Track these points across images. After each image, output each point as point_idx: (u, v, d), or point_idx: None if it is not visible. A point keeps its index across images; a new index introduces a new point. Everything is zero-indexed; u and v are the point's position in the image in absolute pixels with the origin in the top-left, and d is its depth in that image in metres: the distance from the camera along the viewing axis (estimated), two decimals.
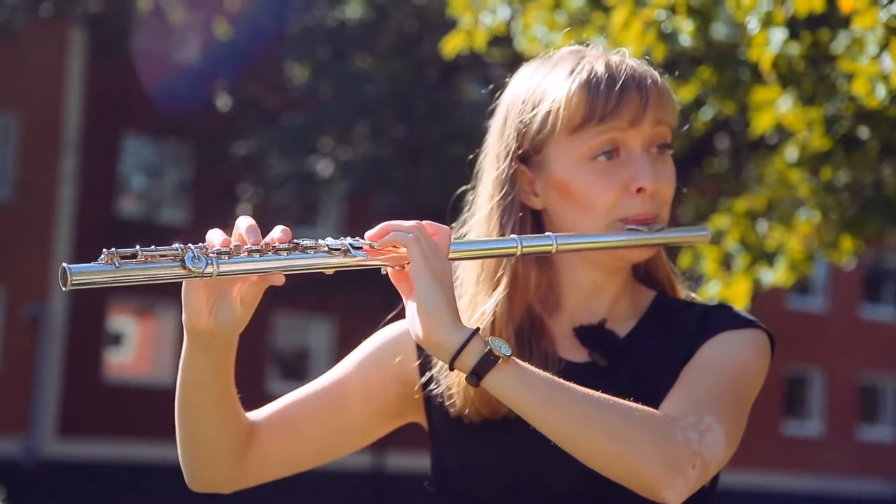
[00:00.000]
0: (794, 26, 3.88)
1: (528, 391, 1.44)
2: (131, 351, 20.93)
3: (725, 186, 9.58)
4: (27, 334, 18.74)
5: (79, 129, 18.81)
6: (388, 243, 1.48)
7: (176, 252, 1.41)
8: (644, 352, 1.64)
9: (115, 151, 19.59)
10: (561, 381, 1.46)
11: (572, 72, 1.63)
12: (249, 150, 14.26)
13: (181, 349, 1.59)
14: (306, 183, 14.33)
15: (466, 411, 1.64)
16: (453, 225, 1.71)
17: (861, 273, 23.40)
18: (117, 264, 1.38)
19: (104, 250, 1.38)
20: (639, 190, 1.61)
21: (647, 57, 1.73)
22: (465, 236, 1.69)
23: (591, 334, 1.66)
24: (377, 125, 13.17)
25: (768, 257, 4.60)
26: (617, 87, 1.61)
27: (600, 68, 1.63)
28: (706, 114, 4.91)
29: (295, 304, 18.32)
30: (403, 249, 1.48)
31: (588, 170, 1.61)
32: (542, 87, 1.65)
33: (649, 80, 1.63)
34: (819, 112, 4.24)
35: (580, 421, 1.43)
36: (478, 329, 1.47)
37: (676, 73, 4.72)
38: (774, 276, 4.57)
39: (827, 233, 4.55)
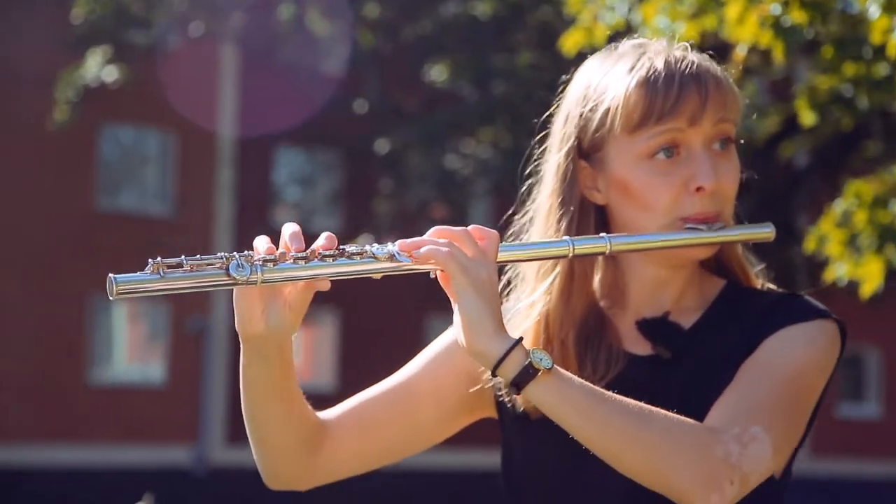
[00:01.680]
0: None
1: (567, 404, 1.45)
2: (295, 358, 21.40)
3: (880, 169, 9.31)
4: (193, 346, 19.36)
5: (233, 143, 19.37)
6: (424, 258, 1.49)
7: (221, 261, 1.43)
8: (708, 343, 1.62)
9: (269, 163, 20.11)
10: (603, 392, 1.47)
11: (632, 69, 1.62)
12: (392, 146, 14.44)
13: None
14: (447, 181, 14.43)
15: (524, 409, 1.65)
16: (515, 217, 1.72)
17: None
18: (162, 273, 1.41)
19: (149, 260, 1.42)
20: (698, 189, 1.59)
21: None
22: (527, 230, 1.69)
23: (654, 327, 1.65)
24: (516, 119, 13.18)
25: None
26: (675, 85, 1.59)
27: (660, 65, 1.61)
28: (860, 104, 4.79)
29: None
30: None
31: (647, 169, 1.60)
32: (602, 83, 1.64)
33: (710, 78, 1.61)
34: None
35: (618, 435, 1.44)
36: (520, 339, 1.47)
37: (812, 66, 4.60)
38: None
39: None
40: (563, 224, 1.65)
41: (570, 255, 1.57)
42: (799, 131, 12.54)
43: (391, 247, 1.49)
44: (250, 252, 1.46)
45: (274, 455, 1.64)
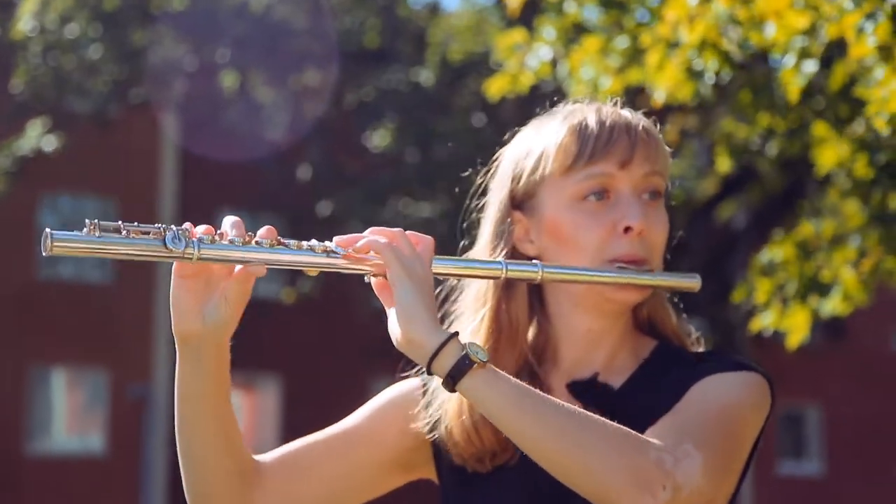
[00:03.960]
0: (827, 59, 3.91)
1: (502, 398, 1.44)
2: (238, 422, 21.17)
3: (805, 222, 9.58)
4: (133, 414, 19.08)
5: (175, 209, 19.28)
6: (363, 249, 1.50)
7: (158, 231, 1.42)
8: (639, 401, 1.63)
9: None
10: (538, 391, 1.47)
11: (564, 118, 1.68)
12: (334, 209, 14.48)
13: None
14: None
15: (466, 460, 1.66)
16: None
17: None
18: (98, 235, 1.39)
19: (87, 220, 1.40)
20: (626, 230, 1.63)
21: (646, 113, 1.75)
22: (463, 285, 1.71)
23: (583, 388, 1.66)
24: (456, 181, 13.30)
25: (822, 288, 4.56)
26: (606, 130, 1.65)
27: (592, 114, 1.68)
28: (770, 153, 4.93)
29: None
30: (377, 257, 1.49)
31: (578, 210, 1.64)
32: (537, 136, 1.70)
33: (640, 127, 1.67)
34: (854, 143, 4.24)
35: (552, 431, 1.43)
36: (456, 332, 1.48)
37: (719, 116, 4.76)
38: (831, 305, 4.52)
39: (883, 261, 4.50)
40: (494, 284, 1.66)
41: (503, 276, 1.59)
42: (737, 192, 12.76)
43: (329, 243, 1.50)
44: (189, 228, 1.45)
45: (204, 480, 1.59)
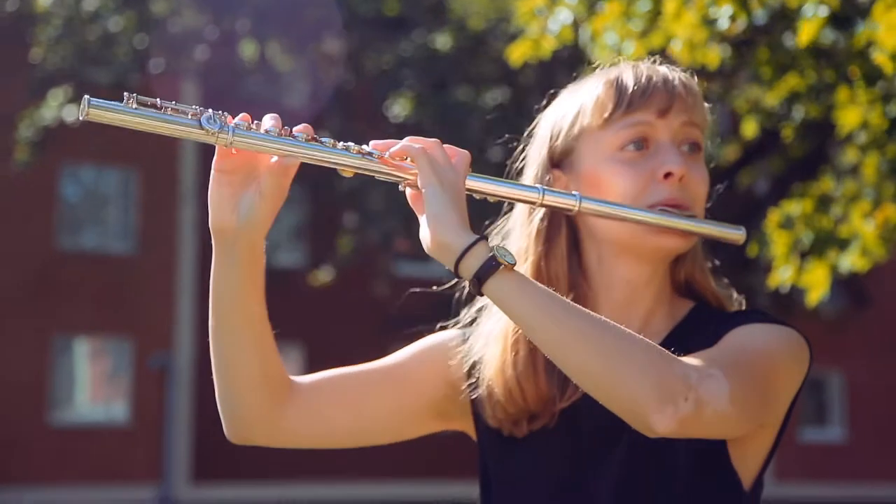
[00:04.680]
0: (848, 20, 3.89)
1: (528, 299, 1.42)
2: None
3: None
4: (156, 384, 19.21)
5: (196, 179, 19.32)
6: (398, 154, 1.49)
7: (195, 111, 1.43)
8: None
9: None
10: (564, 298, 1.45)
11: (600, 76, 1.68)
12: (352, 184, 14.47)
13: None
14: (412, 215, 14.49)
15: (502, 422, 1.65)
16: (493, 226, 1.73)
17: None
18: (135, 107, 1.40)
19: (125, 94, 1.40)
20: (667, 176, 1.61)
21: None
22: (503, 243, 1.70)
23: None
24: (478, 153, 13.26)
25: (839, 243, 4.53)
26: (644, 79, 1.64)
27: (628, 70, 1.67)
28: (796, 117, 4.90)
29: None
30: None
31: (617, 160, 1.63)
32: (574, 96, 1.70)
33: (677, 79, 1.66)
34: (874, 92, 4.20)
35: (577, 335, 1.41)
36: (485, 236, 1.47)
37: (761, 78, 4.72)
38: (850, 260, 4.49)
39: None
40: (535, 235, 1.67)
41: (540, 201, 1.57)
42: (759, 158, 12.69)
43: (365, 146, 1.49)
44: (226, 114, 1.45)
45: (238, 386, 1.59)
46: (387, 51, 14.77)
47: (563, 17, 4.32)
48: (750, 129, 5.14)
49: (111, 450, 18.96)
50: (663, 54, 3.97)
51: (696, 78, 1.71)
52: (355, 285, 18.87)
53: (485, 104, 13.74)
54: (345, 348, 19.90)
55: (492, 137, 12.97)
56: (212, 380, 1.61)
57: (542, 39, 4.40)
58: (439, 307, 1.78)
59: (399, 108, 14.29)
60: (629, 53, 4.01)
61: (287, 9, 14.68)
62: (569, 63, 13.03)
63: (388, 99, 14.51)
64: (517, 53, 4.48)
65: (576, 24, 4.35)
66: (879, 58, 3.34)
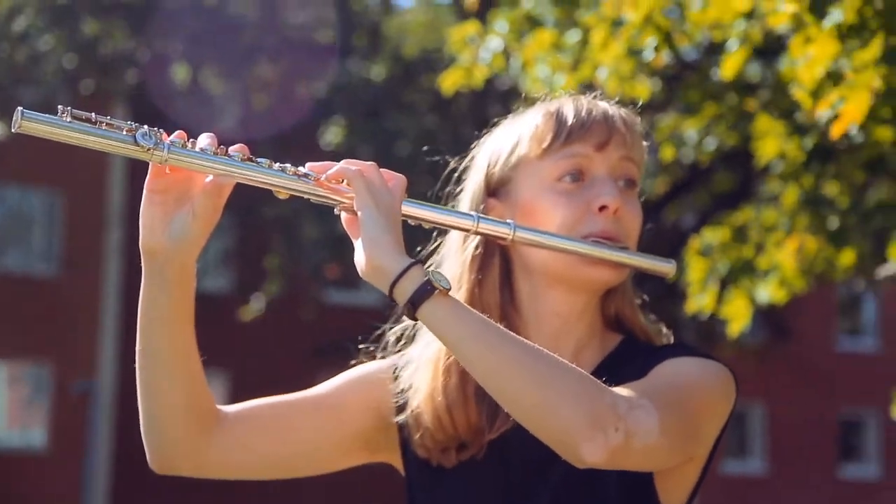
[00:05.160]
0: (774, 51, 3.98)
1: (461, 325, 1.42)
2: None
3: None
4: (76, 410, 18.88)
5: (123, 204, 19.09)
6: (335, 176, 1.48)
7: (130, 126, 1.40)
8: None
9: None
10: (498, 325, 1.45)
11: (540, 108, 1.69)
12: (282, 212, 14.42)
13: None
14: (341, 244, 14.46)
15: (431, 451, 1.65)
16: (430, 260, 1.72)
17: None
18: (70, 120, 1.37)
19: (60, 107, 1.38)
20: (602, 208, 1.62)
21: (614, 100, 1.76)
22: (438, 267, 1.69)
23: None
24: (412, 179, 13.31)
25: (758, 273, 4.61)
26: (584, 112, 1.65)
27: (568, 103, 1.68)
28: (709, 145, 5.00)
29: None
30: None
31: (553, 191, 1.63)
32: (513, 126, 1.70)
33: (617, 114, 1.67)
34: (792, 125, 4.30)
35: (510, 362, 1.41)
36: (420, 260, 1.47)
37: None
38: (768, 291, 4.56)
39: (818, 249, 4.56)
40: (468, 263, 1.66)
41: (474, 229, 1.57)
42: (686, 193, 12.87)
43: (302, 168, 1.48)
44: (162, 131, 1.43)
45: (163, 414, 1.56)
46: (320, 78, 14.77)
47: (494, 45, 4.36)
48: (668, 153, 5.24)
49: (29, 476, 18.58)
50: (591, 87, 4.04)
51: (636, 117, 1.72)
52: (283, 312, 18.74)
53: (417, 132, 13.78)
54: (271, 376, 19.72)
55: (423, 166, 13.01)
56: (135, 407, 1.58)
57: (473, 68, 4.43)
58: (369, 335, 1.78)
59: (331, 135, 14.28)
60: (560, 85, 4.06)
61: (220, 33, 14.62)
62: (502, 94, 13.13)
63: (321, 126, 14.50)
64: (449, 82, 4.51)
65: (507, 54, 4.38)
66: (798, 93, 3.42)
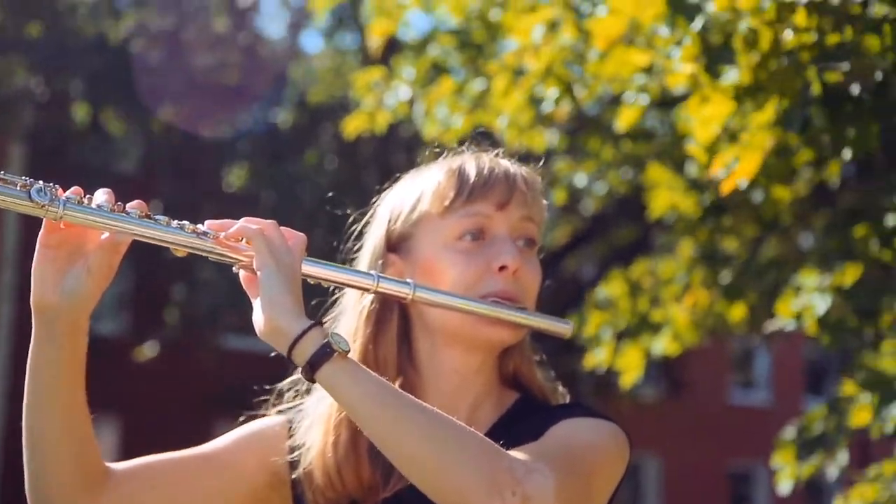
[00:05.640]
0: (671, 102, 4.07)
1: (360, 388, 1.42)
2: None
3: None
4: None
5: (17, 245, 18.68)
6: (234, 235, 1.48)
7: (24, 182, 1.39)
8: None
9: None
10: (395, 388, 1.46)
11: (443, 164, 1.71)
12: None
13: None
14: (239, 290, 14.34)
15: None
16: (326, 319, 1.72)
17: (802, 365, 23.63)
18: None
19: None
20: (502, 268, 1.64)
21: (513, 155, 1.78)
22: (335, 325, 1.70)
23: None
24: (313, 227, 13.27)
25: (653, 326, 4.68)
26: (486, 171, 1.67)
27: (471, 160, 1.70)
28: (600, 189, 5.09)
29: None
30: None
31: (453, 249, 1.65)
32: (415, 181, 1.72)
33: (519, 174, 1.70)
34: (682, 179, 4.40)
35: (408, 425, 1.41)
36: (320, 322, 1.46)
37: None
38: (661, 345, 4.63)
39: (711, 303, 4.65)
40: (365, 317, 1.67)
41: (374, 288, 1.57)
42: (586, 244, 13.04)
43: (201, 225, 1.47)
44: (57, 187, 1.41)
45: (49, 471, 1.51)
46: (225, 121, 14.69)
47: (400, 92, 4.39)
48: (560, 198, 5.31)
49: None
50: (485, 134, 4.08)
51: (527, 164, 1.74)
52: (180, 357, 18.46)
53: (321, 177, 13.77)
54: (165, 423, 19.37)
55: (326, 211, 12.98)
56: (20, 462, 1.54)
57: (377, 113, 4.46)
58: (268, 383, 1.76)
59: (234, 179, 14.19)
60: (456, 127, 4.11)
61: (123, 72, 14.47)
62: (406, 142, 13.19)
63: (224, 169, 14.40)
64: (352, 126, 4.52)
65: (412, 101, 4.42)
66: (693, 150, 3.48)
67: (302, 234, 1.53)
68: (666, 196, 4.45)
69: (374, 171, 13.81)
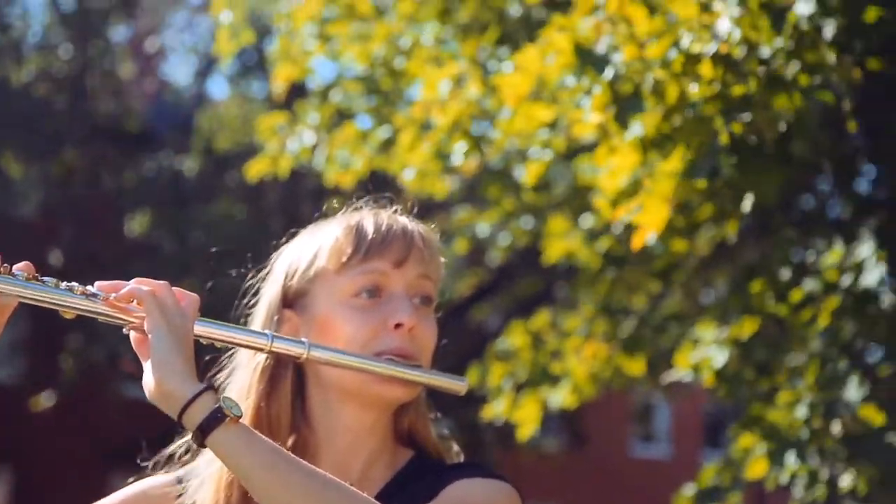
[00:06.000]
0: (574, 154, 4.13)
1: (251, 453, 1.41)
2: None
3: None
4: None
5: None
6: (125, 297, 1.47)
7: None
8: None
9: None
10: (288, 453, 1.45)
11: (341, 220, 1.70)
12: None
13: None
14: None
15: None
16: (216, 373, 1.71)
17: (701, 419, 23.94)
18: None
19: None
20: (397, 326, 1.64)
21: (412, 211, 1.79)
22: (227, 383, 1.68)
23: None
24: (216, 275, 13.15)
25: (552, 378, 4.72)
26: (383, 229, 1.67)
27: (369, 217, 1.70)
28: (503, 240, 5.13)
29: None
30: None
31: (349, 306, 1.64)
32: (313, 237, 1.70)
33: (416, 231, 1.70)
34: (582, 230, 4.47)
35: (298, 491, 1.40)
36: (211, 386, 1.45)
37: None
38: (559, 397, 4.66)
39: (610, 356, 4.70)
40: (259, 374, 1.65)
41: (268, 348, 1.56)
42: (491, 295, 13.10)
43: (90, 287, 1.46)
44: None
45: None
46: (129, 168, 14.53)
47: (305, 137, 4.39)
48: (462, 247, 5.35)
49: None
50: (386, 180, 4.08)
51: (433, 214, 1.75)
52: (77, 407, 18.04)
53: (226, 226, 13.66)
54: (60, 476, 18.88)
55: (230, 258, 12.87)
56: None
57: (280, 157, 4.45)
58: (167, 434, 1.73)
59: (136, 226, 14.01)
60: (356, 168, 4.12)
61: (24, 116, 14.23)
62: (313, 191, 13.15)
63: (127, 215, 14.22)
64: (254, 170, 4.51)
65: (315, 146, 4.42)
66: (599, 202, 3.52)
67: (195, 294, 1.52)
68: (560, 245, 4.51)
69: (280, 219, 13.73)
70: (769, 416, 3.67)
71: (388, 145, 4.15)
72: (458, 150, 3.72)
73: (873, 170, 4.33)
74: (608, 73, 2.81)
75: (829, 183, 4.43)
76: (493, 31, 4.11)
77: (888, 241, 3.73)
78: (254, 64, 14.30)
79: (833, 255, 3.77)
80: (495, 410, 4.73)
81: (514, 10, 4.15)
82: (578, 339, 4.73)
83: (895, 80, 3.72)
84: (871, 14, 3.01)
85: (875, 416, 3.53)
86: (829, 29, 2.92)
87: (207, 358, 1.70)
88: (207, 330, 1.52)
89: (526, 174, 3.72)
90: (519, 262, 11.60)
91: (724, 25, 2.76)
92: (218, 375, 1.70)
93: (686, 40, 2.77)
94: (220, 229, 13.69)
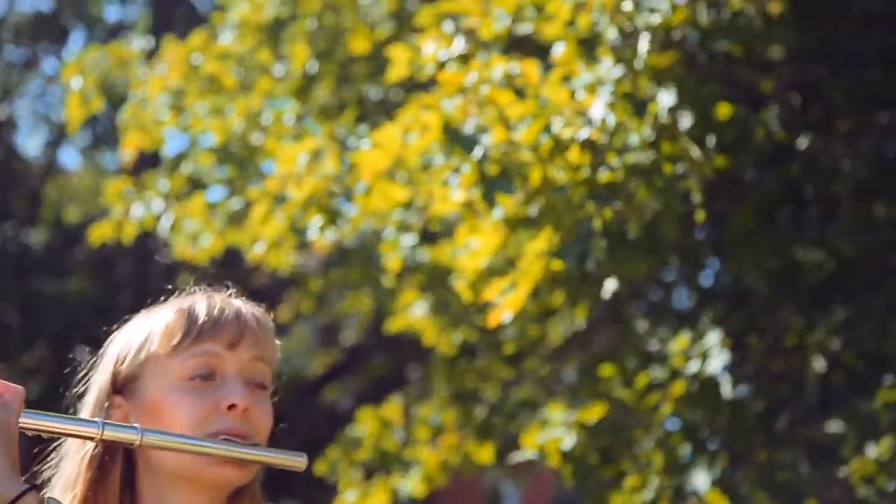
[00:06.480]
0: (428, 234, 4.17)
1: None
2: None
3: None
4: None
5: None
6: None
7: None
8: None
9: None
10: None
11: (174, 304, 1.67)
12: None
13: None
14: None
15: None
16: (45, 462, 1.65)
17: (549, 501, 24.07)
18: None
19: None
20: (231, 407, 1.60)
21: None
22: (55, 473, 1.63)
23: None
24: (63, 349, 12.77)
25: (403, 466, 4.70)
26: (216, 310, 1.65)
27: (202, 300, 1.67)
28: (357, 322, 5.14)
29: None
30: None
31: (181, 389, 1.61)
32: (145, 321, 1.67)
33: (250, 313, 1.68)
34: (444, 320, 4.51)
35: None
36: (35, 486, 1.41)
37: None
38: (410, 485, 4.64)
39: (460, 443, 4.71)
40: (87, 462, 1.60)
41: (99, 437, 1.52)
42: (345, 374, 13.02)
43: None
44: None
45: None
46: None
47: (154, 205, 4.33)
48: (307, 306, 5.32)
49: None
50: (237, 254, 4.02)
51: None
52: None
53: (73, 299, 13.29)
54: None
55: (77, 334, 12.52)
56: None
57: (124, 223, 4.37)
58: None
59: None
60: (206, 245, 4.07)
61: None
62: (164, 266, 12.91)
63: None
64: (97, 234, 4.43)
65: (162, 214, 4.36)
66: (459, 285, 3.54)
67: (19, 386, 1.47)
68: (402, 319, 4.53)
69: (130, 294, 13.43)
70: (614, 502, 3.70)
71: (239, 217, 4.12)
72: (314, 225, 3.70)
73: (716, 262, 4.48)
74: (478, 151, 2.84)
75: (675, 273, 4.56)
76: (352, 110, 4.14)
77: (729, 332, 3.84)
78: (106, 135, 14.07)
79: (679, 342, 3.85)
80: (346, 501, 4.67)
81: (374, 94, 4.19)
82: (430, 429, 4.72)
83: (739, 177, 3.87)
84: (724, 110, 3.12)
85: (720, 502, 3.59)
86: (686, 121, 3.02)
87: (36, 450, 1.64)
88: (34, 421, 1.48)
89: (383, 258, 3.72)
90: (373, 343, 11.57)
91: (598, 111, 2.81)
92: (46, 465, 1.64)
93: (557, 125, 2.82)
94: (66, 304, 13.31)
